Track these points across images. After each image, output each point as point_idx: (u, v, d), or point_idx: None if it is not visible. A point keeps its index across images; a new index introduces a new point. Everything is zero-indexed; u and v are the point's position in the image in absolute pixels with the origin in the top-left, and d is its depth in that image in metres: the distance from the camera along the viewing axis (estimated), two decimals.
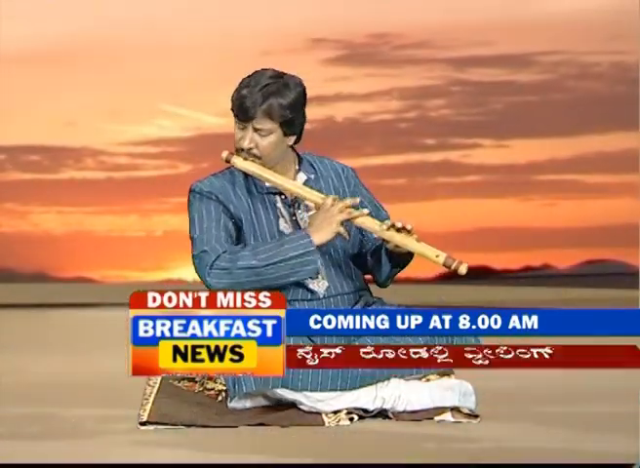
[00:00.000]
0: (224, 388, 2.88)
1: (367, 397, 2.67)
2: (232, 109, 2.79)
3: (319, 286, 2.78)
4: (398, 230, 2.70)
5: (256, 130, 2.74)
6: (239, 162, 2.78)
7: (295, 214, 2.83)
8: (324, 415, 2.64)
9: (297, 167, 2.87)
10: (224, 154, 2.80)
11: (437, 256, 2.68)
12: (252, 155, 2.77)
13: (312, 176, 2.86)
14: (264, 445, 2.41)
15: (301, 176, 2.86)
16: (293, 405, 2.68)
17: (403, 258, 2.80)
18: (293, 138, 2.81)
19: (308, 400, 2.64)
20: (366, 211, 2.76)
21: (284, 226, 2.81)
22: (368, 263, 2.89)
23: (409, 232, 2.70)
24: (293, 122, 2.76)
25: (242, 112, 2.74)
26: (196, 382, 2.97)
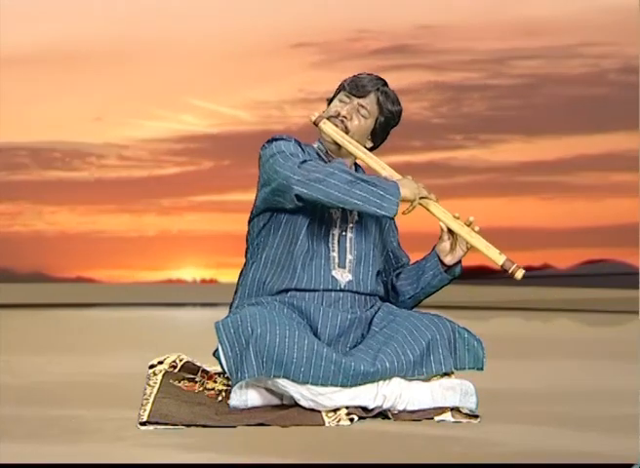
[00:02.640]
0: (224, 388, 2.89)
1: (368, 394, 2.67)
2: (341, 87, 2.88)
3: (342, 277, 2.82)
4: (466, 225, 2.79)
5: (360, 108, 2.85)
6: (327, 126, 2.85)
7: None
8: (324, 415, 2.64)
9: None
10: (314, 116, 2.87)
11: (500, 254, 2.76)
12: (343, 125, 2.85)
13: None
14: (264, 445, 2.41)
15: None
16: (293, 404, 2.68)
17: (452, 271, 2.90)
18: (370, 144, 2.91)
19: (310, 392, 2.64)
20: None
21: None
22: (400, 281, 2.97)
23: (474, 230, 2.79)
24: (385, 127, 2.91)
25: (358, 87, 2.86)
26: (196, 382, 2.97)
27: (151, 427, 2.55)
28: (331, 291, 2.80)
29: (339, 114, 2.85)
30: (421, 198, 2.78)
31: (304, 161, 2.74)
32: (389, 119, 2.91)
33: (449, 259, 2.87)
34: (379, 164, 2.84)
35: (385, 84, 2.92)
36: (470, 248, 2.84)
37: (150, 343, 4.95)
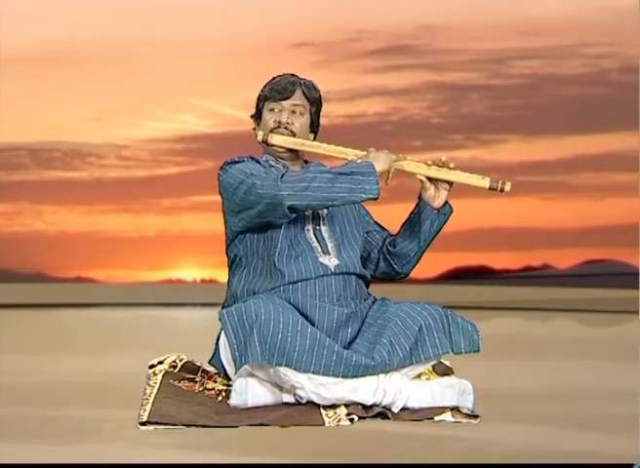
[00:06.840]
0: (224, 388, 2.89)
1: (369, 387, 2.67)
2: (263, 98, 2.96)
3: (330, 261, 2.86)
4: (440, 166, 2.88)
5: (293, 109, 2.93)
6: (277, 137, 2.92)
7: None
8: (324, 415, 2.64)
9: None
10: (259, 136, 2.93)
11: (483, 179, 2.88)
12: (288, 131, 2.92)
13: None
14: (264, 445, 2.41)
15: None
16: (293, 404, 2.68)
17: (444, 210, 2.95)
18: (312, 135, 2.99)
19: (311, 382, 2.65)
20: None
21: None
22: (398, 246, 3.01)
23: (449, 168, 2.88)
24: (318, 113, 3.00)
25: (281, 91, 2.92)
26: (196, 382, 2.97)
27: (151, 427, 2.55)
28: (322, 276, 2.82)
29: (280, 123, 2.92)
30: (394, 162, 2.85)
31: (282, 175, 2.78)
32: (318, 105, 3.00)
33: (437, 203, 2.94)
34: (340, 151, 2.92)
35: (298, 78, 2.98)
36: (452, 184, 2.92)
37: (150, 343, 4.95)
